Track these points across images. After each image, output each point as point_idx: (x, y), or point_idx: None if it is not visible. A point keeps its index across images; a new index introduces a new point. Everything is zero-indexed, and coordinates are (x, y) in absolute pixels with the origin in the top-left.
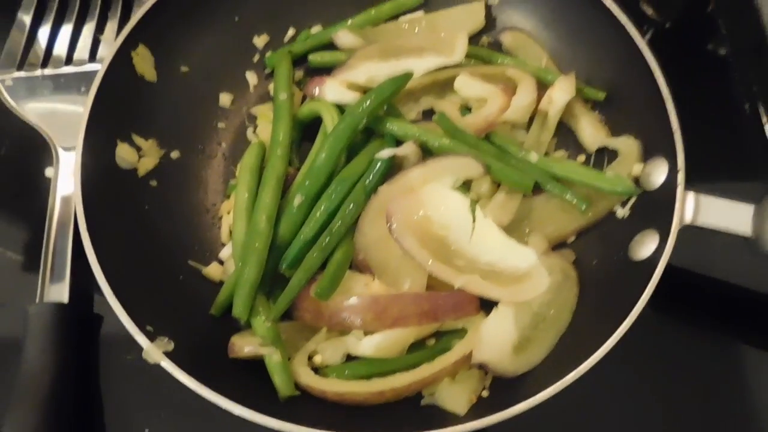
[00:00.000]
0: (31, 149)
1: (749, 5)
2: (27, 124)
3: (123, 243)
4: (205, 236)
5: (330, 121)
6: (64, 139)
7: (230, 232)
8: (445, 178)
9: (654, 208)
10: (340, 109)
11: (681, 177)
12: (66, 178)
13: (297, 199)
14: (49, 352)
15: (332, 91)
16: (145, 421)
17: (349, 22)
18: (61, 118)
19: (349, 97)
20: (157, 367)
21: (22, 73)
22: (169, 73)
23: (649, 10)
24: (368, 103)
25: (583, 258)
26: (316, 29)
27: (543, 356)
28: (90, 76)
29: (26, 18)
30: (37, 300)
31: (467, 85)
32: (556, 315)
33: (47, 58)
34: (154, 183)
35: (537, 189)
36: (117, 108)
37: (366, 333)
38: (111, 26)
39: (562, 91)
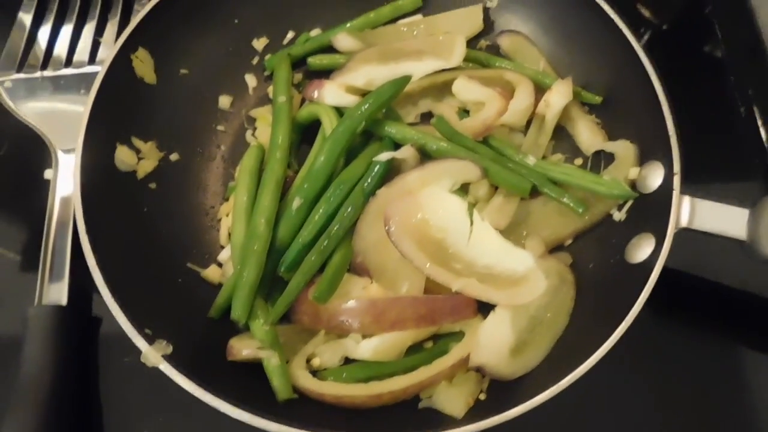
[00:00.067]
0: (30, 151)
1: (745, 8)
2: (26, 126)
3: (122, 245)
4: (203, 238)
5: (329, 124)
6: (63, 140)
7: (229, 235)
8: (443, 181)
9: (650, 211)
10: (339, 112)
11: (677, 181)
12: (65, 179)
13: (296, 202)
14: (47, 355)
15: (331, 94)
16: (144, 423)
17: (348, 25)
18: (61, 120)
19: (348, 100)
20: (156, 369)
21: (21, 75)
22: (168, 75)
23: (646, 12)
24: (367, 106)
25: (579, 261)
26: (315, 32)
27: (540, 359)
28: (89, 77)
29: (26, 19)
30: (36, 301)
31: (465, 88)
32: (553, 318)
33: (47, 60)
34: (153, 185)
35: (534, 192)
36: (116, 110)
37: (364, 336)
38: (111, 28)
39: (559, 95)
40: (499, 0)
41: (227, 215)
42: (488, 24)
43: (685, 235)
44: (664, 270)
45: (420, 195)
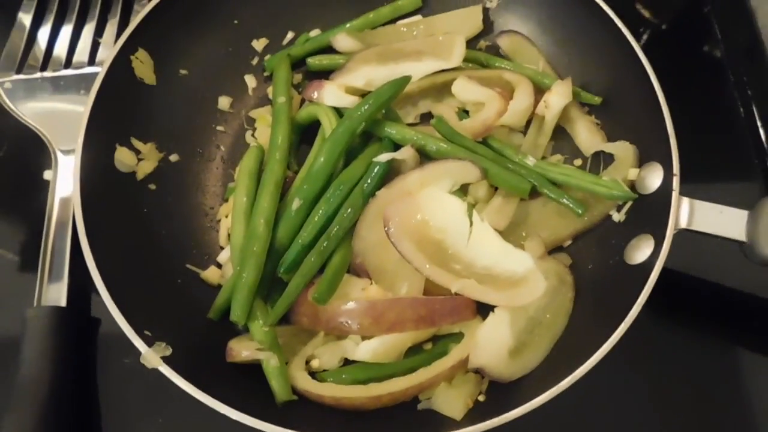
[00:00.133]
0: (29, 151)
1: (744, 8)
2: (26, 126)
3: (121, 246)
4: (203, 239)
5: (328, 124)
6: (63, 141)
7: (228, 236)
8: (443, 182)
9: (649, 212)
10: (339, 112)
11: (676, 182)
12: (65, 180)
13: (295, 203)
14: (47, 356)
15: (330, 94)
16: (144, 424)
17: (348, 25)
18: (60, 121)
19: (348, 100)
20: (155, 370)
21: (21, 76)
22: (168, 76)
23: (645, 12)
24: (366, 106)
25: (579, 262)
26: (314, 33)
27: (539, 361)
28: (89, 78)
29: (26, 20)
30: (35, 302)
31: (465, 88)
32: (552, 319)
33: (47, 61)
34: (152, 186)
35: (534, 193)
36: (116, 111)
37: (363, 337)
38: (110, 29)
39: (558, 96)
40: (498, 0)
41: (227, 216)
42: (488, 24)
43: (684, 236)
44: (664, 271)
45: (419, 196)
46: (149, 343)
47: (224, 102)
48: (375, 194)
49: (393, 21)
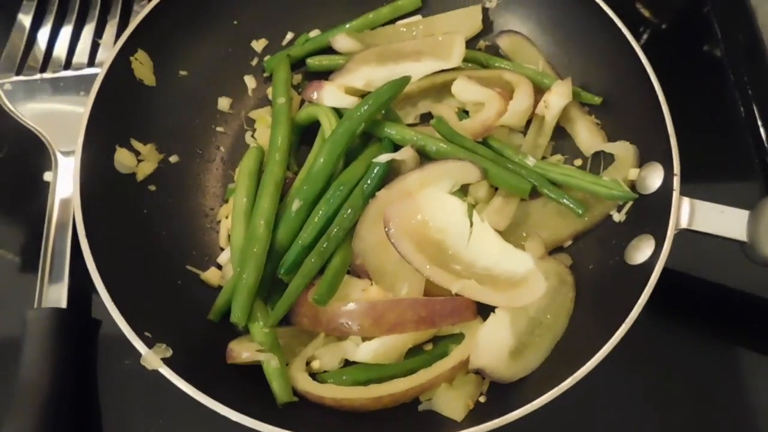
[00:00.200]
0: (29, 153)
1: (744, 7)
2: (26, 128)
3: (121, 248)
4: (203, 241)
5: (328, 125)
6: (62, 142)
7: (229, 237)
8: (443, 182)
9: (650, 212)
10: (339, 113)
11: (676, 182)
12: (65, 181)
13: (295, 204)
14: (47, 358)
15: (330, 95)
16: (144, 426)
17: (347, 26)
18: (60, 122)
19: (347, 101)
20: (156, 372)
21: (21, 77)
22: (167, 77)
23: (645, 12)
24: (366, 107)
25: (579, 262)
26: (314, 33)
27: (540, 361)
28: (89, 79)
29: (26, 21)
30: (36, 303)
31: (465, 89)
32: (553, 320)
33: (46, 62)
34: (152, 187)
35: (534, 193)
36: (116, 112)
37: (364, 338)
38: (110, 30)
39: (558, 96)
40: (498, 0)
41: (227, 217)
42: (487, 24)
43: (685, 236)
44: (664, 271)
45: (419, 196)
46: (149, 344)
47: (224, 103)
48: (375, 195)
49: (392, 21)
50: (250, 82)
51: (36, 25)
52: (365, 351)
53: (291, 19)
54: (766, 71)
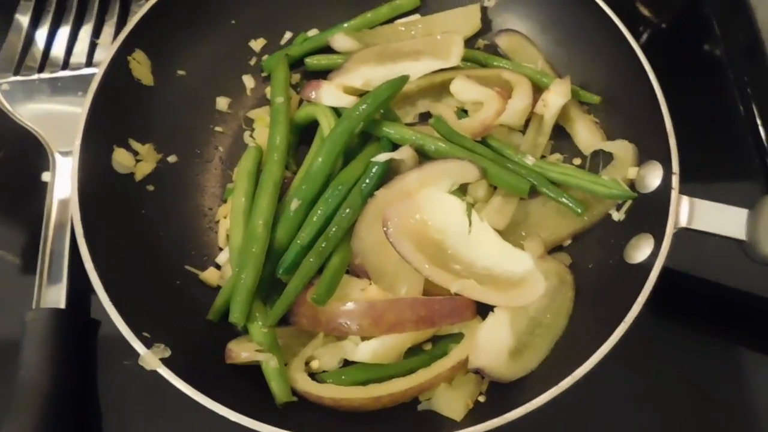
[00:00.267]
0: (27, 153)
1: (744, 6)
2: (24, 128)
3: (120, 248)
4: (202, 241)
5: (327, 124)
6: (60, 143)
7: (227, 237)
8: (442, 182)
9: (649, 211)
10: (337, 112)
11: (675, 181)
12: (63, 182)
13: (294, 204)
14: (46, 358)
15: (329, 94)
16: (143, 426)
17: (346, 25)
18: (58, 122)
19: (346, 100)
20: (156, 372)
21: (18, 77)
22: (166, 77)
23: (645, 11)
24: (364, 106)
25: (578, 262)
26: (312, 32)
27: (539, 361)
28: (87, 79)
29: (23, 21)
30: (34, 304)
31: (463, 88)
32: (552, 320)
33: (44, 62)
34: (151, 187)
35: (533, 192)
36: (114, 113)
37: (363, 338)
38: (108, 30)
39: (557, 95)
40: None
41: (225, 217)
42: (486, 23)
43: (685, 235)
44: (665, 271)
45: (418, 196)
46: (148, 344)
47: (222, 103)
48: (374, 194)
49: (391, 20)
50: (248, 81)
51: (34, 25)
52: (364, 351)
53: (289, 18)
54: (766, 70)
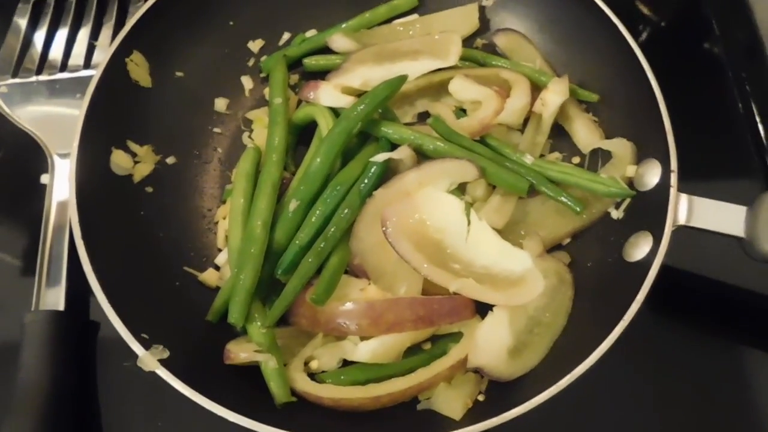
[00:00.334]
0: (26, 155)
1: (743, 5)
2: (22, 131)
3: (118, 250)
4: (201, 242)
5: (325, 125)
6: (59, 145)
7: (226, 238)
8: (441, 181)
9: (648, 209)
10: (336, 113)
11: (674, 179)
12: (61, 184)
13: (292, 204)
14: (45, 360)
15: (327, 95)
16: (143, 427)
17: (344, 25)
18: (56, 125)
19: (344, 101)
20: (154, 374)
21: (17, 80)
22: (164, 78)
23: (644, 10)
24: (363, 106)
25: (578, 260)
26: (311, 33)
27: (538, 360)
28: (85, 82)
29: (21, 24)
30: (33, 306)
31: (462, 87)
32: (552, 318)
33: (42, 64)
34: (149, 189)
35: (532, 191)
36: (112, 114)
37: (362, 338)
38: (106, 32)
39: (555, 93)
40: None
41: (224, 218)
42: (484, 22)
43: (683, 233)
44: (664, 269)
45: (417, 195)
46: (146, 346)
47: (221, 104)
48: (372, 194)
49: (389, 20)
50: (246, 82)
51: (32, 27)
52: (364, 351)
53: (288, 19)
54: (765, 69)
